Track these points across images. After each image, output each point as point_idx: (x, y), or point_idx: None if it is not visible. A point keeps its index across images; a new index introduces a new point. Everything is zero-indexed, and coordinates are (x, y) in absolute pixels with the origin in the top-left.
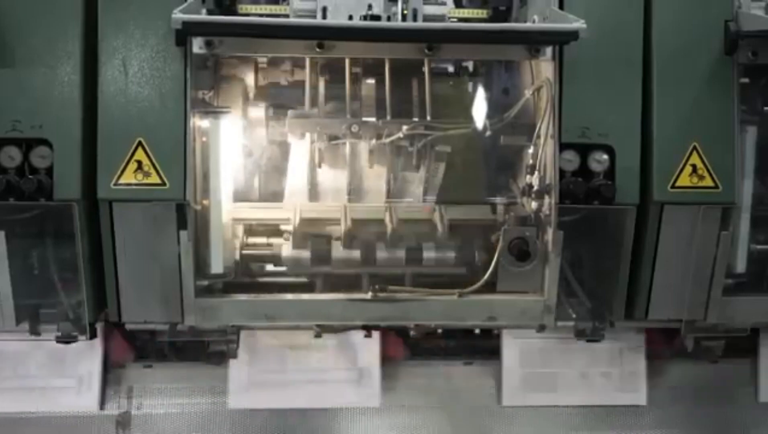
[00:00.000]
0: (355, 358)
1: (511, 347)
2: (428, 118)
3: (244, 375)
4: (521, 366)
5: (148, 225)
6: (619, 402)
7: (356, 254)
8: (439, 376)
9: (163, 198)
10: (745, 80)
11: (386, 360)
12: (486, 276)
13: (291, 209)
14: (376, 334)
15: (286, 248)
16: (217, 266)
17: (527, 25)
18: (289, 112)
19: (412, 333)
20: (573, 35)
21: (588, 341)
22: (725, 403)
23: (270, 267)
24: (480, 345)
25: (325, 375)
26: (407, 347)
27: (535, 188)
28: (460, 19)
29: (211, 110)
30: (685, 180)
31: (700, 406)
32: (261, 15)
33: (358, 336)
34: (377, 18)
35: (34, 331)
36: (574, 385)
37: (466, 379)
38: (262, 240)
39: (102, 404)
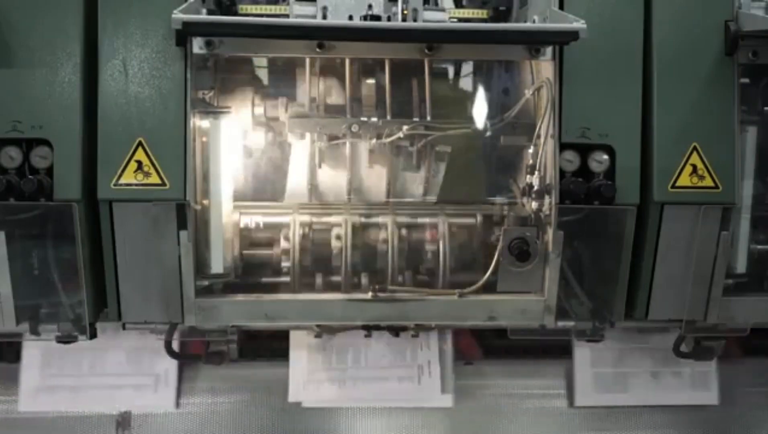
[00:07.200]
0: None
1: (582, 346)
2: (428, 118)
3: (304, 372)
4: (593, 366)
5: (148, 225)
6: (692, 401)
7: (356, 253)
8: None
9: (163, 198)
10: (746, 80)
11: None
12: (486, 276)
13: (291, 209)
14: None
15: (285, 249)
16: (217, 266)
17: (527, 25)
18: (289, 112)
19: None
20: (573, 35)
21: (588, 341)
22: None
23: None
24: (552, 343)
25: (389, 372)
26: (481, 347)
27: (535, 188)
28: (460, 19)
29: (211, 110)
30: (685, 180)
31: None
32: (261, 15)
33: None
34: (377, 18)
35: (35, 331)
36: (646, 385)
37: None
38: (262, 240)
39: (178, 401)
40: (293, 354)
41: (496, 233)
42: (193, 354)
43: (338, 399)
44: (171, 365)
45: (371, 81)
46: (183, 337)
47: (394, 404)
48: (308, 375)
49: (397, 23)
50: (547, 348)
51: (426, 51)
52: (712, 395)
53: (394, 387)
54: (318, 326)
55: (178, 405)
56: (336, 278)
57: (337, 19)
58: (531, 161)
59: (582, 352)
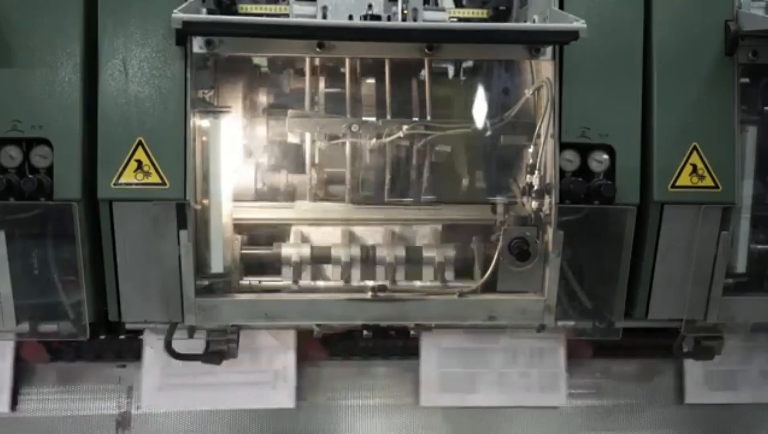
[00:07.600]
0: (271, 360)
1: (429, 347)
2: (428, 118)
3: (156, 378)
4: (439, 367)
5: (148, 225)
6: (540, 403)
7: (356, 253)
8: (361, 375)
9: (163, 198)
10: (746, 80)
11: (305, 360)
12: (486, 276)
13: (290, 209)
14: (290, 334)
15: (285, 248)
16: (217, 266)
17: (527, 25)
18: (289, 111)
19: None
20: (573, 35)
21: (588, 340)
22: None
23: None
24: (399, 345)
25: (242, 378)
26: (326, 347)
27: (536, 187)
28: (460, 19)
29: (211, 110)
30: (685, 180)
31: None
32: (261, 15)
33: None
34: (377, 18)
35: (34, 331)
36: (493, 386)
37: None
38: (262, 240)
39: (14, 405)
40: (146, 357)
41: (496, 233)
42: (191, 355)
43: (191, 403)
44: (5, 367)
45: (371, 81)
46: (20, 338)
47: (248, 406)
48: (161, 380)
49: (397, 23)
50: (391, 349)
51: (426, 51)
52: (560, 397)
53: (249, 393)
54: (318, 325)
55: (13, 408)
56: (336, 278)
57: (337, 18)
58: (531, 161)
59: (428, 352)
